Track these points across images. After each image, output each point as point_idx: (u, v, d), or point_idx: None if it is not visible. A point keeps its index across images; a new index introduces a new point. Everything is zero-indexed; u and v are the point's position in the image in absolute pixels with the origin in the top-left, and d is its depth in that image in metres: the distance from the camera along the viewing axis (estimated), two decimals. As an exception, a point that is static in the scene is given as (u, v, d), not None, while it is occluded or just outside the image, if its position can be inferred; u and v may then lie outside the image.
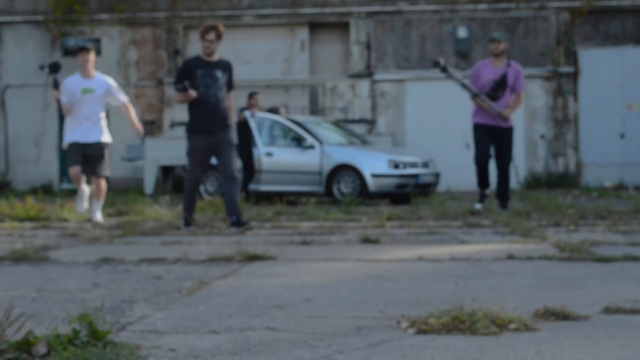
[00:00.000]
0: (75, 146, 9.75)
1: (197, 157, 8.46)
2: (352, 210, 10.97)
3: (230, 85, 8.68)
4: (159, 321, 3.36)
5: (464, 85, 10.70)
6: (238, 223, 8.13)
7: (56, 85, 9.94)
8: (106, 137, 10.10)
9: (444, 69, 10.99)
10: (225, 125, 8.48)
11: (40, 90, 22.13)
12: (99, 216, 9.70)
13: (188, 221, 8.48)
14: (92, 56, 9.91)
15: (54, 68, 10.26)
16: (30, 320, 3.22)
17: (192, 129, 8.52)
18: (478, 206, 10.52)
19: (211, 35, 8.57)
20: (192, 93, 8.32)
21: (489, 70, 10.59)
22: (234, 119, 8.79)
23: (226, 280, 4.64)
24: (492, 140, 10.67)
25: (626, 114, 20.82)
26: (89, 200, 10.01)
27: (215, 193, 15.11)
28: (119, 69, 22.01)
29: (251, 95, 14.74)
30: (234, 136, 8.60)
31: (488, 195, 10.73)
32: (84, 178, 9.80)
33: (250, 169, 14.55)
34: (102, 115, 10.11)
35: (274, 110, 15.64)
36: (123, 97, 10.23)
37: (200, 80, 8.46)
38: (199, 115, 8.45)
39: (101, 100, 10.01)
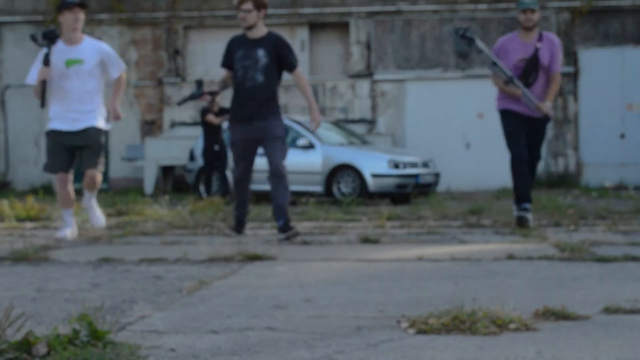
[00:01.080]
0: (58, 137, 7.56)
1: (238, 150, 7.39)
2: (352, 210, 10.98)
3: (285, 65, 7.27)
4: (159, 321, 3.36)
5: (495, 64, 8.05)
6: (284, 228, 7.06)
7: (47, 61, 7.26)
8: (102, 122, 7.71)
9: (471, 41, 8.15)
10: (266, 114, 7.24)
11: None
12: (101, 218, 8.12)
13: (238, 227, 7.48)
14: (83, 15, 7.43)
15: (50, 37, 7.27)
16: (30, 320, 3.22)
17: (231, 118, 7.51)
18: (528, 215, 8.16)
19: (247, 5, 7.16)
20: (207, 97, 8.02)
21: (517, 45, 8.19)
22: (279, 106, 7.44)
23: (226, 280, 4.64)
24: (526, 132, 8.39)
25: (626, 114, 20.82)
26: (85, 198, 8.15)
27: (216, 193, 15.10)
28: (119, 69, 21.99)
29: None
30: (279, 126, 7.36)
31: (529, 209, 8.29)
32: (71, 183, 7.87)
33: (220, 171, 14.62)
34: (98, 93, 7.67)
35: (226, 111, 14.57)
36: (117, 71, 7.63)
37: (239, 62, 7.25)
38: (236, 102, 7.32)
39: (94, 74, 7.51)
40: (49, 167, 7.65)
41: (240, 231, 7.51)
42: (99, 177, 7.78)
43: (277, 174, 7.17)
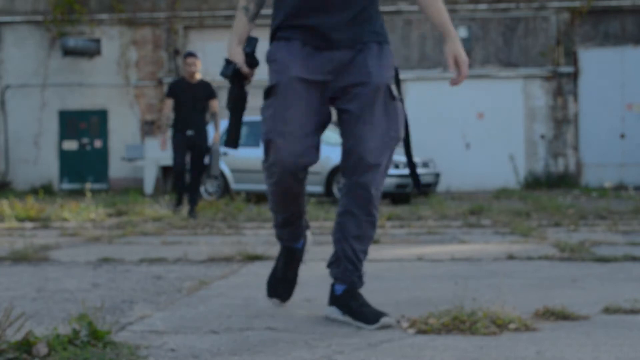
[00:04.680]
0: None
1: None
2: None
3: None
4: (159, 321, 3.36)
5: None
6: None
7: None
8: None
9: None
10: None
11: (40, 90, 22.13)
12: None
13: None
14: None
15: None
16: (30, 320, 3.22)
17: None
18: None
19: None
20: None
21: None
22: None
23: (226, 280, 4.64)
24: None
25: (626, 114, 20.82)
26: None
27: (216, 193, 15.11)
28: (119, 69, 22.02)
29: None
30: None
31: None
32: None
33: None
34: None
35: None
36: None
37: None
38: None
39: None
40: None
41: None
42: None
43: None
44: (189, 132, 10.26)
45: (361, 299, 3.35)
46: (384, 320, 3.18)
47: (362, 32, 3.37)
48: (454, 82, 3.42)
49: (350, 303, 3.33)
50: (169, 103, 10.39)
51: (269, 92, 3.35)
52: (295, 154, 3.30)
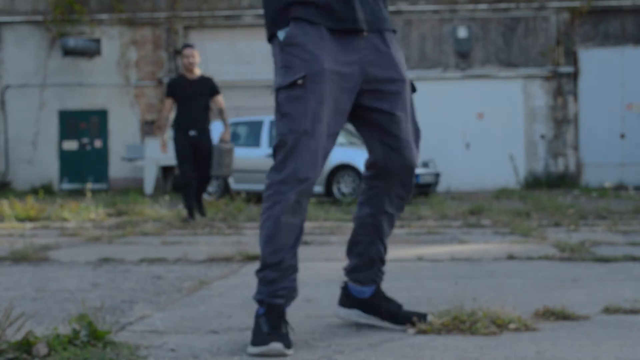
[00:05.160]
0: None
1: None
2: (352, 210, 10.97)
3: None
4: (159, 321, 3.36)
5: None
6: None
7: None
8: None
9: None
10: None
11: (40, 90, 22.14)
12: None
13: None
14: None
15: None
16: (30, 320, 3.22)
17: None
18: None
19: None
20: None
21: None
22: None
23: (226, 280, 4.64)
24: None
25: (626, 114, 20.82)
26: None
27: (216, 193, 15.11)
28: (119, 69, 22.02)
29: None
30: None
31: None
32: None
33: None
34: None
35: None
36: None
37: None
38: None
39: None
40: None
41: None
42: None
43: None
44: (192, 133, 9.50)
45: (390, 299, 3.22)
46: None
47: (381, 13, 3.04)
48: None
49: (381, 304, 3.17)
50: (169, 103, 9.67)
51: (294, 83, 2.89)
52: (318, 163, 2.93)
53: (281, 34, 2.92)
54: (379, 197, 3.12)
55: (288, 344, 2.77)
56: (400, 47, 2.81)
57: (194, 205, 9.57)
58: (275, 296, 2.89)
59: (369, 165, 3.11)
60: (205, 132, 9.61)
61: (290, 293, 2.94)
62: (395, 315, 3.14)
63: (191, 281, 4.54)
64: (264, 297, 2.89)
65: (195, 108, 9.53)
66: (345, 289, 3.25)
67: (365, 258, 3.19)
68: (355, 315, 3.22)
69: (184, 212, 9.98)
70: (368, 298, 3.19)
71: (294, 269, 2.94)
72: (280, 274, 2.90)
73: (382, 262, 3.23)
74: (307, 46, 2.89)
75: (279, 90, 2.91)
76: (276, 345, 2.73)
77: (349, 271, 3.23)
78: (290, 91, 2.88)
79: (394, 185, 3.10)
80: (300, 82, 2.86)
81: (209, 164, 9.64)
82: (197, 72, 9.67)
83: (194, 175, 9.54)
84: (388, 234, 3.20)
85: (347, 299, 3.23)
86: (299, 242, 2.97)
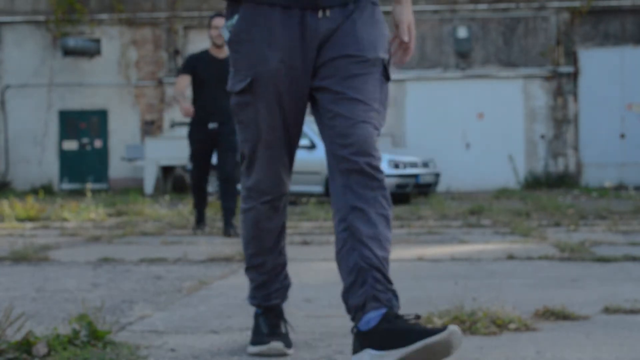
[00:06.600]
0: None
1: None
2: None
3: None
4: (159, 321, 3.36)
5: None
6: None
7: None
8: None
9: None
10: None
11: (40, 90, 22.14)
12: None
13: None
14: None
15: None
16: (30, 320, 3.22)
17: None
18: None
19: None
20: None
21: None
22: None
23: (226, 280, 4.64)
24: None
25: (626, 114, 20.83)
26: None
27: (215, 193, 15.11)
28: (119, 69, 22.02)
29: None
30: None
31: None
32: None
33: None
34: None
35: None
36: None
37: None
38: None
39: None
40: None
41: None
42: None
43: None
44: (212, 125, 7.72)
45: (405, 318, 2.37)
46: (451, 329, 2.24)
47: None
48: (402, 59, 2.63)
49: (397, 326, 2.31)
50: (184, 81, 7.84)
51: (242, 90, 2.56)
52: (282, 174, 2.64)
53: (226, 32, 2.58)
54: (339, 194, 2.50)
55: (288, 344, 2.72)
56: (383, 21, 2.54)
57: (205, 210, 8.14)
58: (269, 299, 2.81)
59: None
60: (228, 124, 7.74)
61: (284, 292, 2.83)
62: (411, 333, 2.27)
63: (191, 281, 4.54)
64: (260, 302, 2.82)
65: (219, 94, 7.66)
66: (354, 323, 2.45)
67: (352, 273, 2.43)
68: (364, 357, 2.34)
69: (198, 227, 8.08)
70: (374, 327, 2.35)
71: (281, 267, 2.80)
72: (268, 276, 2.78)
73: (379, 271, 2.42)
74: (253, 43, 2.51)
75: (230, 95, 2.64)
76: (276, 345, 2.66)
77: (342, 296, 2.49)
78: (240, 97, 2.60)
79: (348, 173, 2.47)
80: (247, 88, 2.55)
81: (235, 160, 7.81)
82: (225, 50, 7.89)
83: (207, 176, 8.05)
84: (373, 233, 2.44)
85: (355, 339, 2.40)
86: (281, 240, 2.78)
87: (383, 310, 2.36)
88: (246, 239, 2.81)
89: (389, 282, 2.44)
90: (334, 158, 2.50)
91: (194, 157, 7.86)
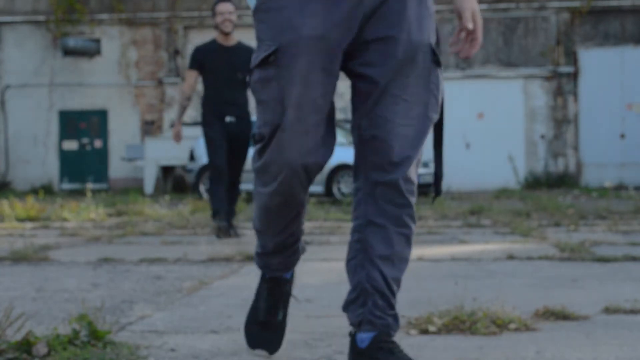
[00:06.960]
0: None
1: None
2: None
3: None
4: (159, 321, 3.36)
5: None
6: None
7: None
8: None
9: None
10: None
11: (40, 90, 22.14)
12: None
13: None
14: None
15: None
16: (30, 320, 3.22)
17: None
18: None
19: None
20: None
21: None
22: None
23: (226, 280, 4.64)
24: None
25: (626, 114, 20.83)
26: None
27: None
28: (119, 69, 22.02)
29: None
30: None
31: None
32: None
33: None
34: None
35: None
36: None
37: None
38: None
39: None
40: None
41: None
42: None
43: None
44: (229, 119, 7.37)
45: (398, 351, 2.31)
46: None
47: None
48: (469, 52, 2.40)
49: (379, 357, 2.28)
50: (193, 77, 7.40)
51: (265, 60, 2.23)
52: (307, 151, 2.29)
53: (252, 0, 2.32)
54: (362, 204, 2.36)
55: (276, 343, 2.70)
56: (432, 2, 2.34)
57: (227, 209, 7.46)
58: (276, 270, 2.67)
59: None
60: (245, 119, 7.45)
61: (295, 261, 2.71)
62: None
63: (191, 281, 4.54)
64: (268, 273, 2.69)
65: (232, 85, 7.33)
66: (351, 337, 2.41)
67: (356, 289, 2.35)
68: None
69: (215, 221, 7.34)
70: (365, 348, 2.32)
71: (294, 244, 2.62)
72: (282, 255, 2.63)
73: (382, 295, 2.33)
74: (281, 10, 2.22)
75: (252, 70, 2.30)
76: (260, 353, 2.69)
77: (344, 308, 2.41)
78: (261, 71, 2.26)
79: (376, 185, 2.31)
80: (272, 59, 2.22)
81: (244, 161, 7.55)
82: (234, 37, 7.47)
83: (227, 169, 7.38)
84: (388, 254, 2.34)
85: (350, 352, 2.39)
86: (298, 219, 2.52)
87: (373, 334, 2.32)
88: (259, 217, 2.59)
89: (391, 306, 2.35)
90: (364, 161, 2.34)
91: (209, 145, 7.32)
